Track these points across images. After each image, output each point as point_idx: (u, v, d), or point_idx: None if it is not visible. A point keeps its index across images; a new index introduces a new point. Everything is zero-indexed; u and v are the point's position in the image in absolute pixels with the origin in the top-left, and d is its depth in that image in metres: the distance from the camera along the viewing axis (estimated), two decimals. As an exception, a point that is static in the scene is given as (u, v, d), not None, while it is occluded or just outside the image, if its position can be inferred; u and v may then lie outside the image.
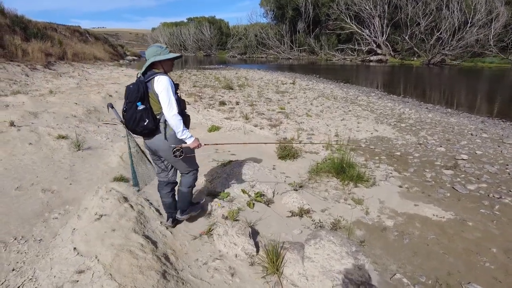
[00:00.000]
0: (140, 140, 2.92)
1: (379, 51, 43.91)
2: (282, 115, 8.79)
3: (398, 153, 5.97)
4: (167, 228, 3.00)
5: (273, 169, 4.91)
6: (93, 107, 8.43)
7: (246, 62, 47.19)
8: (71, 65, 20.42)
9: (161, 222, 3.09)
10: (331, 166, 4.77)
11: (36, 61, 17.16)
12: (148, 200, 3.51)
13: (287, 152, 5.33)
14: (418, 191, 4.43)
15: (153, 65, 2.65)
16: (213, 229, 2.95)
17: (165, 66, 2.70)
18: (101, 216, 2.91)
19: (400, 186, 4.55)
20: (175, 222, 3.10)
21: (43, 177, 4.02)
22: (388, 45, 43.29)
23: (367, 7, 42.95)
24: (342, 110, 9.73)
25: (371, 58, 43.40)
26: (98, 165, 4.45)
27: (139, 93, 2.50)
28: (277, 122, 7.75)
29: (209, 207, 3.39)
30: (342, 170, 4.53)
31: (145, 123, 2.53)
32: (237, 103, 10.33)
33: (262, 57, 56.00)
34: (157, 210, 3.34)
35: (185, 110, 2.84)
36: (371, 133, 7.23)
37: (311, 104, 10.72)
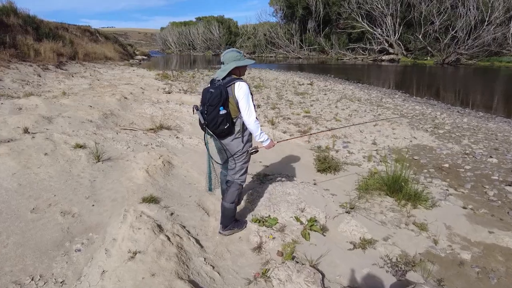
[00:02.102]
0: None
1: (391, 50, 43.02)
2: (309, 119, 8.23)
3: (446, 165, 5.38)
4: (213, 268, 2.49)
5: (314, 184, 4.38)
6: (109, 110, 7.98)
7: (256, 62, 46.51)
8: (82, 65, 20.21)
9: (204, 259, 2.58)
10: (381, 182, 4.22)
11: (48, 61, 17.00)
12: (184, 227, 3.01)
13: (327, 165, 4.79)
14: (487, 214, 3.86)
15: (232, 70, 2.76)
16: (269, 270, 2.44)
17: (241, 71, 2.86)
18: (135, 253, 2.42)
19: (464, 207, 3.98)
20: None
21: (61, 195, 3.55)
22: (401, 44, 42.36)
23: (379, 6, 42.04)
24: (371, 114, 9.13)
25: (383, 57, 42.55)
26: (121, 181, 3.97)
27: (222, 98, 2.62)
28: (306, 128, 7.20)
29: (257, 238, 2.88)
30: (398, 187, 3.97)
31: (226, 127, 2.68)
32: (258, 106, 9.80)
33: (271, 57, 55.40)
34: (197, 241, 2.84)
35: None
36: (410, 141, 6.64)
37: (335, 107, 10.13)
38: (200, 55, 67.06)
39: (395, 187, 3.99)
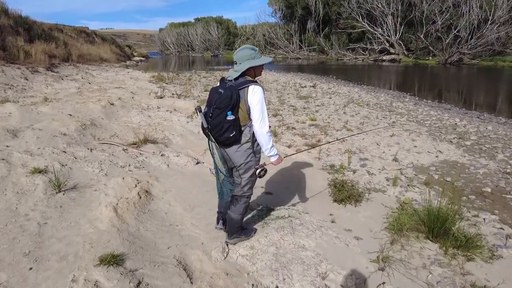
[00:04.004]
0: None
1: (392, 50, 42.30)
2: (316, 129, 7.25)
3: (488, 190, 4.44)
4: None
5: (332, 222, 3.44)
6: (90, 119, 7.05)
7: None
8: (75, 67, 19.46)
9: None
10: (417, 219, 3.28)
11: (38, 63, 16.27)
12: (154, 311, 2.06)
13: (346, 193, 3.84)
14: None
15: (245, 71, 2.44)
16: None
17: (257, 71, 2.54)
18: None
19: (535, 258, 3.03)
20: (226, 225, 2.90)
21: (-8, 251, 2.61)
22: (402, 44, 41.63)
23: (380, 5, 41.33)
24: (384, 121, 8.17)
25: (384, 57, 41.89)
26: (80, 224, 3.02)
27: (232, 101, 2.33)
28: (314, 141, 6.23)
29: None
30: (443, 231, 3.03)
31: (231, 135, 2.39)
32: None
33: (270, 57, 54.53)
34: None
35: None
36: (436, 156, 5.69)
37: (344, 113, 9.17)
38: (199, 56, 66.16)
39: (438, 230, 3.05)
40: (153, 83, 15.22)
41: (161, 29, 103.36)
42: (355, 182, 4.38)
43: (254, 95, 2.37)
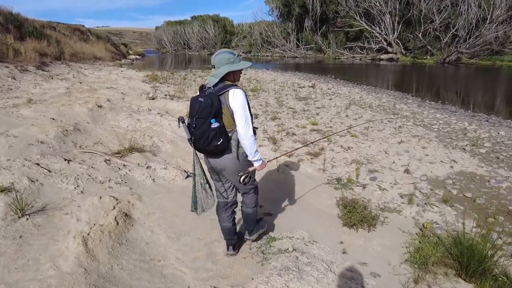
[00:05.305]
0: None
1: (389, 49, 41.93)
2: (319, 134, 6.73)
3: (515, 207, 3.95)
4: None
5: (344, 253, 2.93)
6: (73, 124, 6.49)
7: (251, 61, 45.17)
8: (67, 66, 18.91)
9: None
10: (443, 250, 2.78)
11: (28, 61, 15.81)
12: None
13: (358, 216, 3.32)
14: None
15: (224, 75, 2.35)
16: None
17: (236, 76, 2.46)
18: None
19: None
20: (238, 248, 2.86)
21: None
22: (400, 43, 41.28)
23: (377, 4, 40.92)
24: (390, 125, 7.66)
25: (382, 56, 41.53)
26: (40, 263, 2.47)
27: (213, 108, 2.23)
28: (318, 149, 5.72)
29: None
30: (482, 270, 2.52)
31: (219, 143, 2.28)
32: (256, 116, 8.28)
33: (267, 56, 54.19)
34: None
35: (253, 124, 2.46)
36: (451, 167, 5.20)
37: (346, 116, 8.65)
38: (196, 55, 65.44)
39: (475, 269, 2.54)
40: (146, 82, 14.67)
41: (157, 27, 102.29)
42: (367, 200, 3.87)
43: (236, 99, 2.29)
